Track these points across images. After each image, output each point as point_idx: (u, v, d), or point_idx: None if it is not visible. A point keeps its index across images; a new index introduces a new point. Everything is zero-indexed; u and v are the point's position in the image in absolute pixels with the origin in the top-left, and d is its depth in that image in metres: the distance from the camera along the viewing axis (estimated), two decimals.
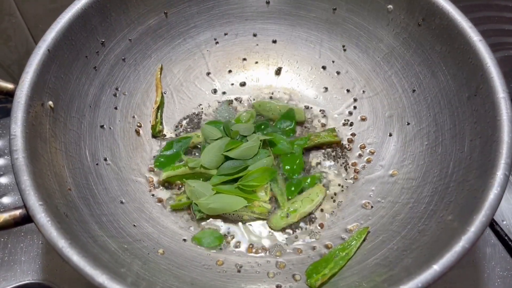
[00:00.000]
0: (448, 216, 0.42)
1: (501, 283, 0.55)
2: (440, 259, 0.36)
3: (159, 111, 0.59)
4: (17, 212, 0.39)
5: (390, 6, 0.56)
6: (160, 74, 0.60)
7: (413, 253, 0.42)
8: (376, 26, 0.58)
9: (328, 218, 0.53)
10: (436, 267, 0.35)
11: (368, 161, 0.56)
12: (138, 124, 0.57)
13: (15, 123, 0.42)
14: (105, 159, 0.53)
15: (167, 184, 0.55)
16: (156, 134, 0.58)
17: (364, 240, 0.48)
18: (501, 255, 0.57)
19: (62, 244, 0.36)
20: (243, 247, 0.50)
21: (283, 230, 0.52)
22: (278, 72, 0.64)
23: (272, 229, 0.52)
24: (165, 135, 0.59)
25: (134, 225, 0.49)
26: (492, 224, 0.59)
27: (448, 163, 0.48)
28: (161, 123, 0.59)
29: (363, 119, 0.59)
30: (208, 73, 0.63)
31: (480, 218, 0.37)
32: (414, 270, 0.36)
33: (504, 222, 0.60)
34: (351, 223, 0.51)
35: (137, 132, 0.57)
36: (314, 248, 0.50)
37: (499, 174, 0.39)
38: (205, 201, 0.51)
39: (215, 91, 0.63)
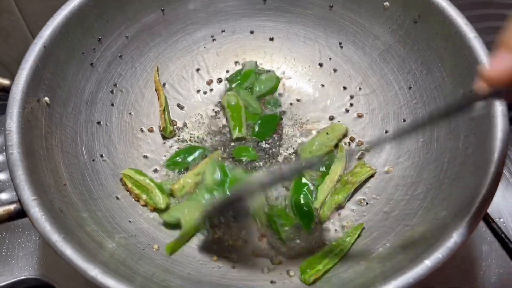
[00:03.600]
0: (442, 212, 0.43)
1: (497, 280, 0.55)
2: (432, 254, 0.36)
3: (166, 112, 0.58)
4: (12, 207, 0.39)
5: (386, 3, 0.55)
6: (158, 75, 0.60)
7: (407, 249, 0.42)
8: (373, 23, 0.58)
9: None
10: (428, 262, 0.35)
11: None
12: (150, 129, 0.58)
13: (10, 119, 0.42)
14: (101, 155, 0.53)
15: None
16: (169, 135, 0.58)
17: (358, 236, 0.48)
18: (498, 252, 0.57)
19: (56, 238, 0.37)
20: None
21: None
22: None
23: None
24: (176, 134, 0.59)
25: (129, 220, 0.49)
26: (488, 222, 0.59)
27: (443, 160, 0.48)
28: (171, 123, 0.58)
29: (359, 116, 0.59)
30: (206, 70, 0.63)
31: (472, 214, 0.37)
32: (406, 265, 0.37)
33: (501, 220, 0.60)
34: (346, 219, 0.52)
35: (150, 130, 0.58)
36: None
37: (492, 169, 0.39)
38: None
39: (211, 89, 0.63)
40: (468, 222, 0.37)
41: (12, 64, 0.77)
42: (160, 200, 0.51)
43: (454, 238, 0.36)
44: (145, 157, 0.57)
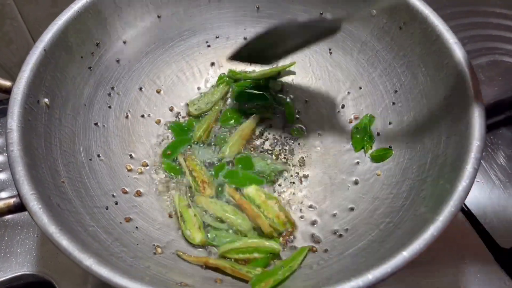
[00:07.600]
0: (422, 208, 0.44)
1: (480, 279, 0.57)
2: (409, 246, 0.38)
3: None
4: (11, 201, 0.41)
5: (373, 11, 0.58)
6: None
7: (389, 243, 0.44)
8: (361, 30, 0.60)
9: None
10: (405, 254, 0.37)
11: None
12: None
13: (11, 118, 0.45)
14: (98, 155, 0.55)
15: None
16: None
17: (305, 257, 0.49)
18: (481, 251, 0.59)
19: (53, 230, 0.39)
20: None
21: None
22: None
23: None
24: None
25: (124, 218, 0.51)
26: (472, 219, 0.61)
27: (426, 160, 0.50)
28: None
29: (349, 121, 0.61)
30: (200, 75, 0.66)
31: (448, 209, 0.39)
32: (386, 257, 0.38)
33: (486, 220, 0.62)
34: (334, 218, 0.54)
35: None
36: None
37: (468, 167, 0.41)
38: None
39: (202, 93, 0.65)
40: (444, 216, 0.39)
41: (13, 69, 0.79)
42: (195, 237, 0.52)
43: (431, 231, 0.38)
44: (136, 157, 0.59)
